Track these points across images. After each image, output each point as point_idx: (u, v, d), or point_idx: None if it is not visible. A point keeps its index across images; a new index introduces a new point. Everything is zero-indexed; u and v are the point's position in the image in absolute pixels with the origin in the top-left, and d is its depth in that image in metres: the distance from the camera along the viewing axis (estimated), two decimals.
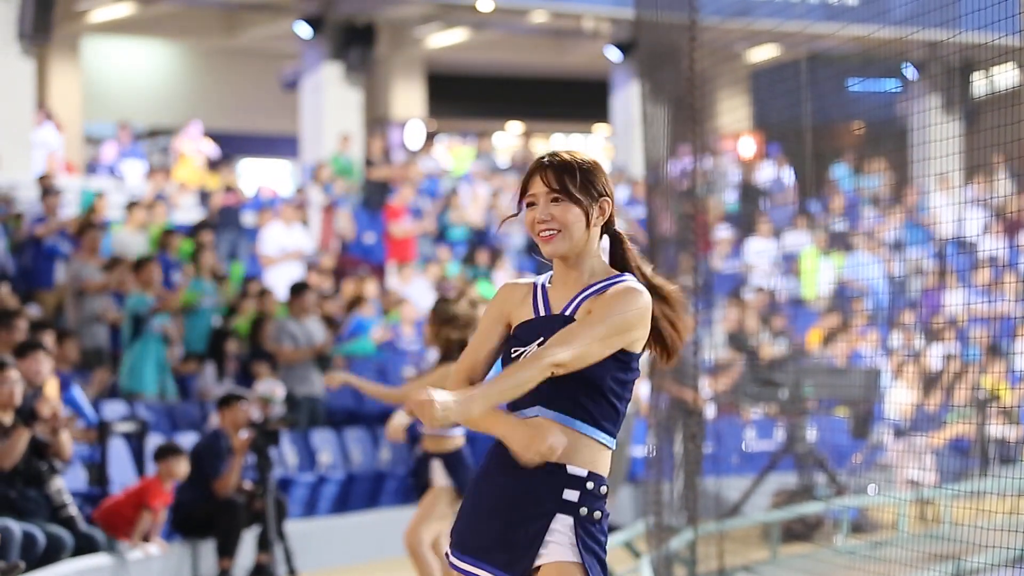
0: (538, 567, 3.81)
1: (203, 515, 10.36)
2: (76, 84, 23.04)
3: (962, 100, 18.20)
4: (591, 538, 3.82)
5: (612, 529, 12.46)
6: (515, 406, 3.86)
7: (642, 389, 14.32)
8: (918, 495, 12.23)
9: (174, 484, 9.94)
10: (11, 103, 18.08)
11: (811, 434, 12.38)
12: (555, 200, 3.89)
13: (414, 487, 8.69)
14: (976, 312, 15.49)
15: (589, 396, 3.83)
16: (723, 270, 17.37)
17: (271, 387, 11.83)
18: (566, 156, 3.94)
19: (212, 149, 20.99)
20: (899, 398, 14.41)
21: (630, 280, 3.91)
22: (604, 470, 3.86)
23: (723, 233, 18.72)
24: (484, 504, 3.90)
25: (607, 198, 3.94)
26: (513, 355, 3.91)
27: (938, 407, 14.55)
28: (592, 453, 3.84)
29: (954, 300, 16.84)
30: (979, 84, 17.51)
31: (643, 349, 3.92)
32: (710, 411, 13.31)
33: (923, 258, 19.01)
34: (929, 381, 14.90)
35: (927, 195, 19.84)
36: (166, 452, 9.89)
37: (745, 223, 19.19)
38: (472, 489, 3.97)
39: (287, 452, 12.20)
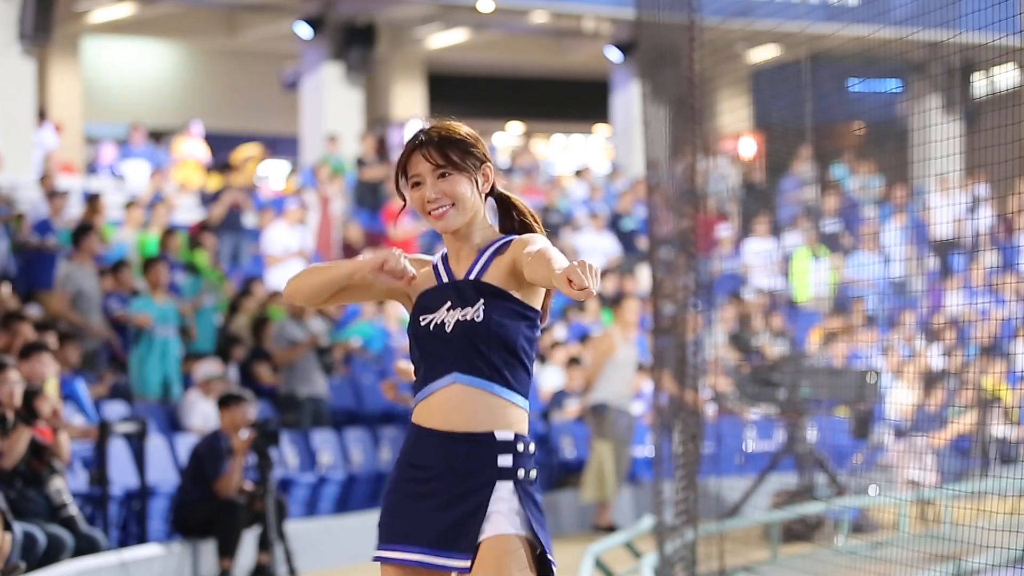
0: (480, 543, 3.77)
1: (204, 515, 10.36)
2: (76, 85, 23.02)
3: (963, 100, 18.19)
4: (531, 500, 3.83)
5: (612, 529, 12.58)
6: (430, 376, 3.85)
7: (644, 388, 14.34)
8: (919, 495, 12.23)
9: None
10: (11, 104, 18.08)
11: (811, 434, 12.36)
12: (442, 176, 3.85)
13: None
14: (976, 312, 15.47)
15: (503, 359, 3.82)
16: (723, 270, 17.35)
17: (212, 368, 12.04)
18: (442, 130, 3.90)
19: (260, 152, 20.66)
20: (900, 398, 14.39)
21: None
22: (525, 429, 3.87)
23: (724, 233, 18.72)
24: (410, 489, 3.86)
25: (488, 164, 3.93)
26: (422, 322, 3.88)
27: (939, 407, 14.54)
28: (512, 415, 3.85)
29: (954, 300, 16.83)
30: (979, 84, 17.50)
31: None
32: (710, 411, 13.31)
33: (923, 258, 18.99)
34: (929, 381, 14.88)
35: (927, 195, 19.84)
36: None
37: (746, 223, 19.16)
38: (394, 477, 3.92)
39: (288, 452, 12.20)
